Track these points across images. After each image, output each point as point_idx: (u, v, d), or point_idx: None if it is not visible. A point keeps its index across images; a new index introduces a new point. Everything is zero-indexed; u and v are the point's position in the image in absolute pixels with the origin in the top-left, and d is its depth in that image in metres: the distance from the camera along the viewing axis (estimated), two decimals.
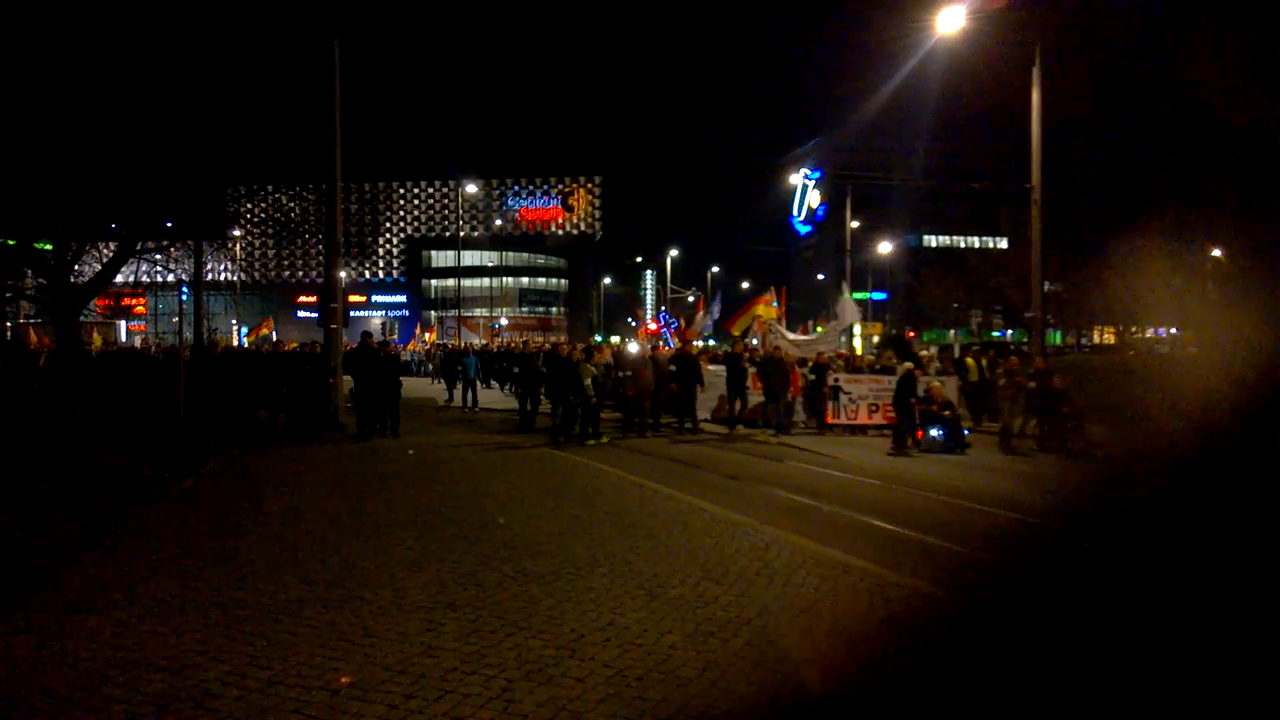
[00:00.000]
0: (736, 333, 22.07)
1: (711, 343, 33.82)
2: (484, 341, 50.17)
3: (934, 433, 14.11)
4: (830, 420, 16.33)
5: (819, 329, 25.10)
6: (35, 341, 28.26)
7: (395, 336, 54.69)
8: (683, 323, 25.29)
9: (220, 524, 7.59)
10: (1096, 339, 57.87)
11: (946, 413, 14.48)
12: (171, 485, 9.29)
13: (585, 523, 7.68)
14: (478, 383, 22.47)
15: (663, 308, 79.89)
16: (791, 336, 20.89)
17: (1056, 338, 54.85)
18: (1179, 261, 34.51)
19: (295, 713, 3.71)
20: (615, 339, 62.63)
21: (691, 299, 72.84)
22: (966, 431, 14.74)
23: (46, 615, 5.05)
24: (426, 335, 53.24)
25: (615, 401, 17.16)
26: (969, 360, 18.32)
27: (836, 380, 16.53)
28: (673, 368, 16.53)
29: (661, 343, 35.66)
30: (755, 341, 21.34)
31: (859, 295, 56.91)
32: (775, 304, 23.97)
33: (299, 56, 16.94)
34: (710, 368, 17.49)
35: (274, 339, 41.83)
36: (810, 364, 17.12)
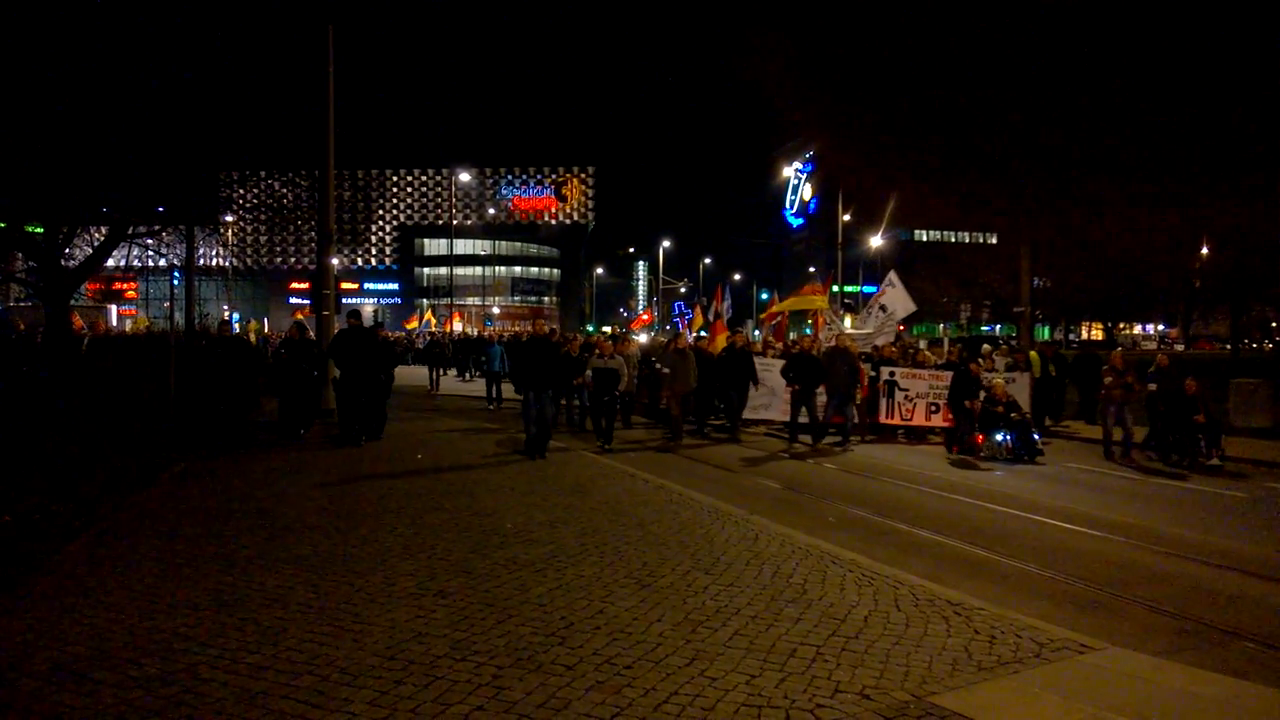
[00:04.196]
0: (779, 313, 19.76)
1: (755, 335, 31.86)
2: (477, 331, 49.21)
3: (998, 437, 12.37)
4: (883, 420, 14.37)
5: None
6: (80, 326, 27.88)
7: (417, 325, 49.79)
8: (698, 315, 24.18)
9: (210, 511, 7.57)
10: (1085, 334, 58.10)
11: (1014, 415, 12.56)
12: (161, 472, 9.27)
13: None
14: (502, 376, 18.97)
15: (655, 298, 79.92)
16: (850, 331, 18.39)
17: (1045, 333, 55.04)
18: (1168, 257, 34.71)
19: (285, 698, 3.72)
20: (606, 329, 62.49)
21: (684, 290, 72.85)
22: (1037, 436, 12.73)
23: (36, 599, 5.06)
24: (440, 322, 47.23)
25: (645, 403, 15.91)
26: (1033, 355, 16.31)
27: (891, 375, 14.41)
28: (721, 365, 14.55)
29: (652, 333, 35.28)
30: (762, 335, 19.48)
31: (850, 289, 57.07)
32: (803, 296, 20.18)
33: (293, 42, 16.87)
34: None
35: (264, 329, 41.32)
36: (863, 358, 14.97)
